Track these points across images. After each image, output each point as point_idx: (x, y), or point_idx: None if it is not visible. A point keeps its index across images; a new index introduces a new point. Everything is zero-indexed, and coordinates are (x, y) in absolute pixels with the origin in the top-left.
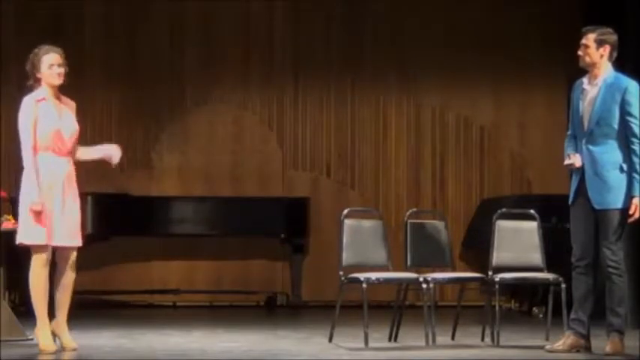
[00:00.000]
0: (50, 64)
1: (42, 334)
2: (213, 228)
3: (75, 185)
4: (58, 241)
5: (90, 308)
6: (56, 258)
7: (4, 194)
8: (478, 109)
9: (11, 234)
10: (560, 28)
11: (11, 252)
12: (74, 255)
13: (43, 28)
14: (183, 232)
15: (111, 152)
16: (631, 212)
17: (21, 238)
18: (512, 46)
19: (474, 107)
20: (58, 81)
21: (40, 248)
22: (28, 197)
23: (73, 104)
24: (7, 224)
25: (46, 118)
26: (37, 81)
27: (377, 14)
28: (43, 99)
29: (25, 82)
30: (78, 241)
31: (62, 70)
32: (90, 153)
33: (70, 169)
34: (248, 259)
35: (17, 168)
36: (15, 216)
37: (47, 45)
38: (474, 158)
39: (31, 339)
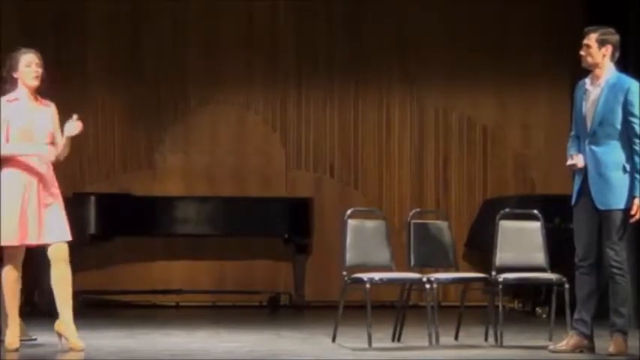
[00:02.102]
0: (27, 63)
1: (9, 331)
2: (216, 228)
3: (54, 183)
4: (37, 240)
5: (93, 308)
6: (48, 256)
7: None
8: (481, 109)
9: None
10: (563, 28)
11: None
12: (65, 250)
13: (47, 29)
14: (186, 232)
15: (70, 131)
16: (632, 212)
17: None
18: (515, 46)
19: (477, 107)
20: (34, 82)
21: (12, 248)
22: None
23: (52, 106)
24: None
25: (16, 118)
26: (14, 82)
27: (380, 14)
28: (16, 99)
29: (2, 85)
30: (64, 236)
31: (39, 70)
32: (61, 145)
33: (43, 168)
34: (251, 259)
35: None
36: None
37: (25, 48)
38: (477, 158)
39: (35, 339)
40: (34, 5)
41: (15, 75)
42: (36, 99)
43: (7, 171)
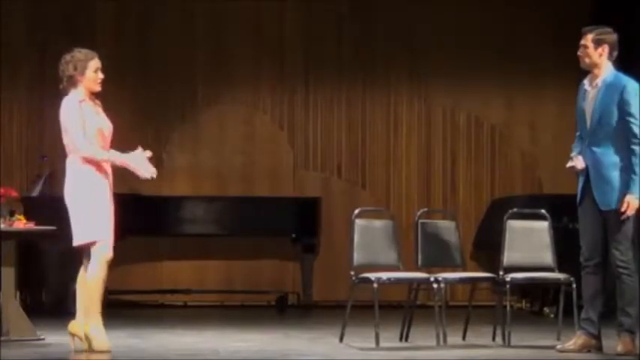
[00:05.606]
0: (96, 69)
1: (99, 334)
2: (224, 228)
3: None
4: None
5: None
6: (85, 256)
7: (15, 194)
8: (489, 108)
9: (23, 234)
10: (571, 28)
11: (23, 252)
12: None
13: (54, 29)
14: (194, 231)
15: (135, 166)
16: (622, 210)
17: (85, 237)
18: (523, 45)
19: (485, 107)
20: (99, 88)
21: (106, 244)
22: (84, 195)
23: (99, 103)
24: (19, 224)
25: (89, 118)
26: (74, 83)
27: (388, 14)
28: (84, 100)
29: (59, 84)
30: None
31: (102, 76)
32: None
33: (110, 167)
34: (259, 259)
35: (32, 170)
36: (27, 216)
37: (83, 49)
38: (485, 158)
39: (43, 339)
40: (44, 4)
41: (80, 77)
42: (91, 99)
43: (90, 169)
